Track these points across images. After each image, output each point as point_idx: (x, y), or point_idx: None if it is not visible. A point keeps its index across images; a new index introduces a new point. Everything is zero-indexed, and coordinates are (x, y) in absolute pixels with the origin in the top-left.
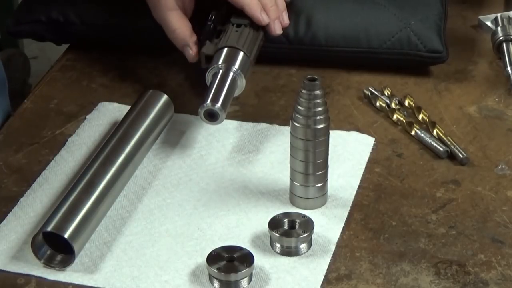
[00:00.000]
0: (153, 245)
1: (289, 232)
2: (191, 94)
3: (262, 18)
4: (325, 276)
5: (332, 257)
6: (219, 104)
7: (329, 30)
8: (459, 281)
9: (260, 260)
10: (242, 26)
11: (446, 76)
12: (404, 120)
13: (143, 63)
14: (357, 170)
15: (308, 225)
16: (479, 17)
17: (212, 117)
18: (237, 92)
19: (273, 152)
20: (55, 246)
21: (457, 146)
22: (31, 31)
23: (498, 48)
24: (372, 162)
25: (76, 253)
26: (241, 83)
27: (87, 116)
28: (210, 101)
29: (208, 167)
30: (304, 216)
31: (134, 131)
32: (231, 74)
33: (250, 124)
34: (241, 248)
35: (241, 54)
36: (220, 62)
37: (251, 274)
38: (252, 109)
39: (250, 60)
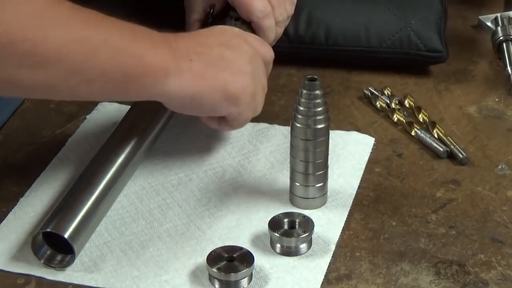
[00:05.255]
0: (153, 245)
1: (289, 232)
2: None
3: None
4: (325, 276)
5: (332, 257)
6: None
7: (330, 29)
8: (459, 281)
9: (260, 260)
10: (241, 19)
11: (446, 76)
12: (404, 120)
13: None
14: (357, 170)
15: (308, 225)
16: (479, 17)
17: None
18: None
19: (273, 152)
20: (55, 246)
21: (457, 146)
22: None
23: (498, 48)
24: (372, 162)
25: (76, 253)
26: None
27: (87, 116)
28: None
29: (208, 167)
30: (304, 216)
31: (134, 131)
32: None
33: (250, 124)
34: (241, 248)
35: None
36: None
37: (251, 274)
38: None
39: None
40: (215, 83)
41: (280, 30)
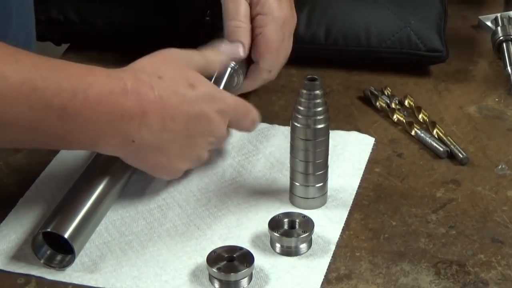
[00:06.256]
0: (153, 245)
1: (289, 232)
2: None
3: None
4: (325, 276)
5: (332, 257)
6: None
7: (329, 29)
8: (459, 281)
9: (260, 260)
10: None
11: (446, 76)
12: (404, 120)
13: None
14: (357, 170)
15: (308, 225)
16: (479, 17)
17: None
18: (235, 90)
19: (273, 152)
20: (55, 246)
21: (457, 146)
22: None
23: (498, 48)
24: (372, 162)
25: (76, 253)
26: (239, 79)
27: None
28: None
29: (208, 167)
30: (304, 216)
31: None
32: (228, 69)
33: None
34: (241, 248)
35: None
36: None
37: (251, 274)
38: None
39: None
40: (145, 164)
41: (257, 85)
